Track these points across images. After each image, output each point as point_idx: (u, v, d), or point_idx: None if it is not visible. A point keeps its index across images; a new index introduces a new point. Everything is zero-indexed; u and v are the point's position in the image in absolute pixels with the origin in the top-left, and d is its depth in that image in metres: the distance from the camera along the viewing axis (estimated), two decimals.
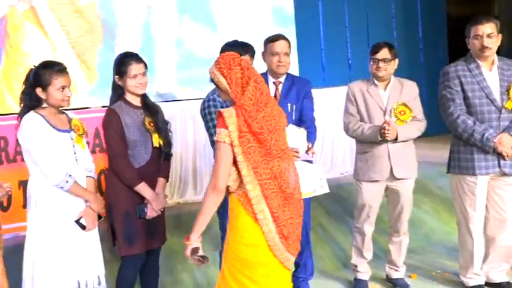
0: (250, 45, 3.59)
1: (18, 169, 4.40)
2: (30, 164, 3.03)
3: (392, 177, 3.85)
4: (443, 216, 5.32)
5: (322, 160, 6.28)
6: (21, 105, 3.06)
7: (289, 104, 3.67)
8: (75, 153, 3.09)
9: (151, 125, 3.28)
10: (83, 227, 3.08)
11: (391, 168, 3.82)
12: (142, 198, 3.26)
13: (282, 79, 3.75)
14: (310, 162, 3.31)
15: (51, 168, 2.97)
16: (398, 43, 8.62)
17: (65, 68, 3.05)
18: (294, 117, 3.66)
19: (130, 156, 3.24)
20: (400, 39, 9.05)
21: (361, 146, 3.93)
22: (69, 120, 3.12)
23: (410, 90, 3.91)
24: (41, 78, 2.98)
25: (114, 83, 3.31)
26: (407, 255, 4.12)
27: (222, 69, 2.60)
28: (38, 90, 3.00)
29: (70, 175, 3.00)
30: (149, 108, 3.34)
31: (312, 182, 3.06)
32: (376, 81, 3.89)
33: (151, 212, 3.26)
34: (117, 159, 3.21)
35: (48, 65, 3.04)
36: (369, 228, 4.00)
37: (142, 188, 3.23)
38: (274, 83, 3.74)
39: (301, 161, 3.13)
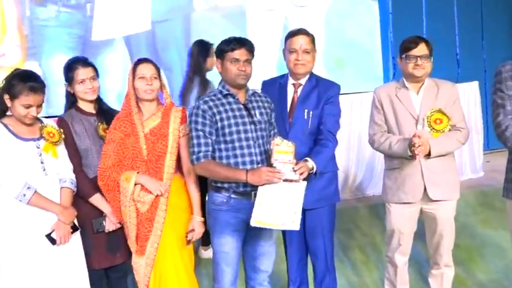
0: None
1: None
2: None
3: (427, 198, 3.22)
4: None
5: None
6: None
7: (306, 110, 3.19)
8: (42, 163, 2.92)
9: (107, 131, 3.10)
10: (53, 242, 2.90)
11: (425, 188, 3.19)
12: (101, 211, 3.10)
13: (303, 81, 3.27)
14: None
15: (7, 180, 2.82)
16: None
17: (40, 87, 2.87)
18: (310, 125, 3.19)
19: (84, 166, 3.10)
20: None
21: (390, 161, 3.33)
22: (41, 128, 2.96)
23: (448, 93, 3.25)
24: (11, 87, 2.85)
25: (66, 91, 3.20)
26: None
27: None
28: (6, 97, 2.88)
29: (29, 187, 2.83)
30: (104, 114, 3.17)
31: (285, 214, 2.75)
32: (406, 83, 3.26)
33: (109, 225, 3.09)
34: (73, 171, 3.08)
35: (22, 76, 2.89)
36: (401, 259, 3.40)
37: (98, 200, 3.08)
38: (293, 84, 3.28)
39: (283, 181, 2.76)
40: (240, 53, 2.92)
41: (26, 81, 2.85)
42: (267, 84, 3.37)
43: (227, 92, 2.97)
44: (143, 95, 3.02)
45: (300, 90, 3.26)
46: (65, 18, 5.34)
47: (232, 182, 2.87)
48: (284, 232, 3.32)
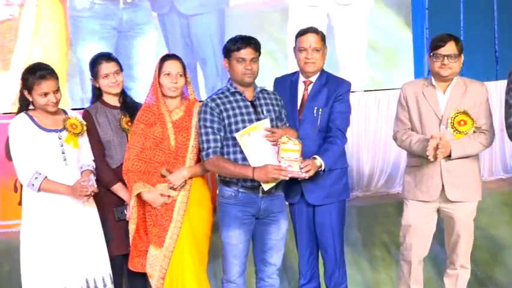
0: None
1: None
2: None
3: (445, 198, 3.20)
4: None
5: None
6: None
7: (315, 108, 3.22)
8: (63, 153, 3.05)
9: (129, 124, 3.22)
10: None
11: (443, 187, 3.17)
12: (122, 200, 3.21)
13: (314, 78, 3.30)
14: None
15: (20, 169, 2.98)
16: None
17: (50, 73, 3.00)
18: (319, 123, 3.21)
19: (107, 157, 3.22)
20: None
21: (410, 158, 3.32)
22: (65, 119, 3.09)
23: (476, 93, 3.19)
24: (26, 82, 3.00)
25: (92, 85, 3.34)
26: None
27: None
28: (25, 93, 3.03)
29: (37, 177, 2.95)
30: (128, 107, 3.27)
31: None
32: (434, 82, 3.22)
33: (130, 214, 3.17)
34: (94, 161, 3.20)
35: (31, 69, 3.03)
36: (415, 257, 3.36)
37: (119, 189, 3.19)
38: (304, 82, 3.31)
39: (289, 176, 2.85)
40: (246, 52, 2.98)
41: (35, 72, 2.98)
42: (278, 82, 3.41)
43: (234, 90, 3.04)
44: (167, 92, 3.11)
45: (310, 87, 3.28)
46: (99, 10, 5.46)
47: (240, 178, 2.95)
48: (295, 227, 3.37)
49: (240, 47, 2.98)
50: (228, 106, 3.00)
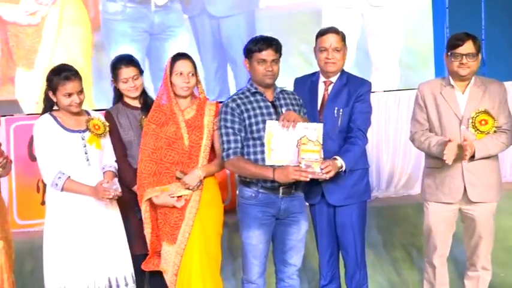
0: None
1: None
2: None
3: (466, 199, 3.17)
4: None
5: None
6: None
7: (336, 108, 3.22)
8: (86, 153, 3.08)
9: None
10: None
11: (465, 188, 3.15)
12: None
13: (334, 79, 3.29)
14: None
15: (44, 167, 3.02)
16: None
17: (74, 74, 3.05)
18: (340, 123, 3.20)
19: (129, 157, 3.26)
20: None
21: (430, 160, 3.30)
22: (88, 120, 3.13)
23: (496, 93, 3.17)
24: (50, 83, 3.05)
25: (113, 86, 3.39)
26: None
27: None
28: (50, 94, 3.08)
29: (60, 176, 2.99)
30: (148, 108, 3.26)
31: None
32: (452, 82, 3.20)
33: None
34: (116, 161, 3.24)
35: (56, 70, 3.07)
36: (438, 259, 3.35)
37: None
38: (324, 82, 3.30)
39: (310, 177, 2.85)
40: (267, 54, 2.99)
41: (60, 73, 3.02)
42: (298, 82, 3.41)
43: (255, 90, 3.05)
44: (179, 91, 3.12)
45: (330, 88, 3.28)
46: (131, 13, 5.54)
47: (260, 178, 2.95)
48: (315, 228, 3.36)
49: (262, 48, 2.98)
50: (249, 106, 3.01)
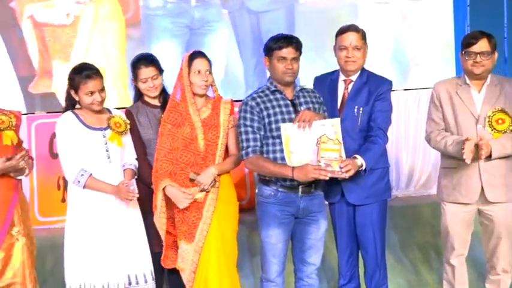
0: None
1: None
2: None
3: (484, 199, 3.14)
4: None
5: None
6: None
7: (356, 107, 3.21)
8: (107, 151, 3.11)
9: None
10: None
11: (482, 189, 3.12)
12: None
13: (354, 77, 3.28)
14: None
15: (66, 166, 3.06)
16: None
17: (95, 73, 3.08)
18: (360, 122, 3.20)
19: (148, 155, 3.28)
20: None
21: (446, 160, 3.27)
22: (109, 118, 3.15)
23: None
24: (72, 81, 3.09)
25: (134, 85, 3.42)
26: None
27: None
28: (72, 92, 3.11)
29: (83, 174, 3.03)
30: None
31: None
32: (468, 80, 3.17)
33: None
34: (137, 160, 3.28)
35: (78, 69, 3.11)
36: (457, 259, 3.33)
37: None
38: (344, 81, 3.29)
39: (329, 176, 2.84)
40: (287, 52, 2.98)
41: (82, 71, 3.06)
42: (318, 80, 3.39)
43: (274, 89, 3.04)
44: (197, 89, 3.13)
45: (350, 86, 3.26)
46: (172, 8, 5.54)
47: (279, 177, 2.95)
48: (335, 227, 3.35)
49: (282, 46, 2.98)
50: (268, 105, 3.00)
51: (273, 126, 2.97)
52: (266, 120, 2.98)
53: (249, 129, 2.99)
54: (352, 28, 3.24)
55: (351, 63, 3.22)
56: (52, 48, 5.33)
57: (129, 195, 3.01)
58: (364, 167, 3.01)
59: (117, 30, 5.48)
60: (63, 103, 3.31)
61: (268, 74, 3.15)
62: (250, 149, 2.98)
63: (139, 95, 3.41)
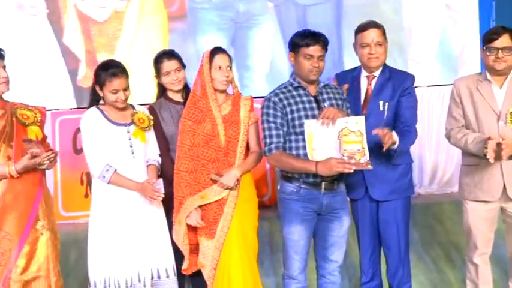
0: None
1: None
2: None
3: (506, 197, 3.10)
4: None
5: None
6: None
7: (381, 102, 3.19)
8: (131, 146, 3.13)
9: None
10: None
11: (504, 186, 3.08)
12: None
13: (377, 73, 3.26)
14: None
15: (91, 160, 3.09)
16: None
17: (121, 71, 3.10)
18: (385, 117, 3.18)
19: (171, 151, 3.28)
20: None
21: (467, 157, 3.23)
22: (133, 114, 3.18)
23: None
24: (98, 78, 3.12)
25: (157, 81, 3.44)
26: None
27: None
28: (97, 88, 3.14)
29: (108, 169, 3.05)
30: None
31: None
32: (489, 76, 3.12)
33: None
34: (160, 156, 3.28)
35: (104, 65, 3.14)
36: (480, 258, 3.28)
37: None
38: (367, 77, 3.28)
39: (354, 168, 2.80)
40: (314, 50, 2.95)
41: (108, 69, 3.08)
42: (339, 77, 3.38)
43: (298, 85, 3.02)
44: (219, 85, 3.13)
45: (373, 82, 3.24)
46: (217, 1, 5.56)
47: (303, 172, 2.93)
48: (357, 224, 3.34)
49: (309, 44, 2.95)
50: (292, 101, 2.98)
51: (296, 122, 2.95)
52: (289, 116, 2.97)
53: (272, 125, 2.98)
54: (372, 25, 3.22)
55: (374, 60, 3.20)
56: (97, 42, 5.41)
57: (154, 194, 3.04)
58: (396, 146, 2.98)
59: (160, 25, 5.54)
60: None
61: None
62: (273, 145, 2.97)
63: (162, 91, 3.43)
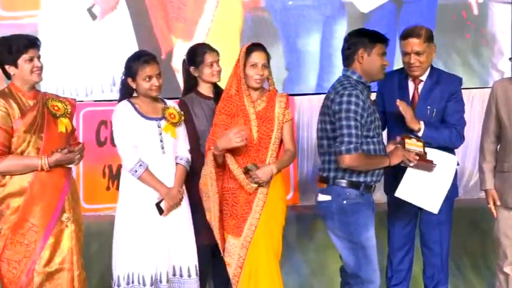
0: None
1: None
2: None
3: None
4: None
5: None
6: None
7: (429, 107, 3.17)
8: (161, 141, 3.11)
9: None
10: (161, 211, 3.08)
11: None
12: None
13: (424, 76, 3.23)
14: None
15: (125, 154, 3.08)
16: None
17: (152, 58, 3.11)
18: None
19: (202, 147, 3.23)
20: None
21: (499, 163, 3.16)
22: (164, 109, 3.15)
23: None
24: (130, 69, 3.10)
25: (186, 75, 3.40)
26: None
27: None
28: (129, 80, 3.12)
29: (141, 164, 3.04)
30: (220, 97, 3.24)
31: (428, 194, 3.01)
32: None
33: None
34: (190, 151, 3.24)
35: (135, 56, 3.14)
36: (511, 267, 3.19)
37: None
38: (413, 81, 3.24)
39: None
40: (385, 48, 2.93)
41: (139, 58, 3.08)
42: (386, 77, 3.23)
43: (367, 84, 2.94)
44: (252, 83, 3.08)
45: (420, 86, 3.22)
46: None
47: (377, 169, 2.90)
48: (393, 224, 3.32)
49: (386, 41, 2.93)
50: (368, 103, 2.88)
51: (371, 126, 2.85)
52: (366, 119, 2.84)
53: (357, 124, 2.78)
54: (411, 34, 3.16)
55: (415, 69, 3.19)
56: (174, 26, 5.43)
57: (179, 204, 3.09)
58: (420, 133, 3.02)
59: (236, 14, 5.59)
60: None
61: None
62: (352, 146, 2.77)
63: (191, 86, 3.38)
